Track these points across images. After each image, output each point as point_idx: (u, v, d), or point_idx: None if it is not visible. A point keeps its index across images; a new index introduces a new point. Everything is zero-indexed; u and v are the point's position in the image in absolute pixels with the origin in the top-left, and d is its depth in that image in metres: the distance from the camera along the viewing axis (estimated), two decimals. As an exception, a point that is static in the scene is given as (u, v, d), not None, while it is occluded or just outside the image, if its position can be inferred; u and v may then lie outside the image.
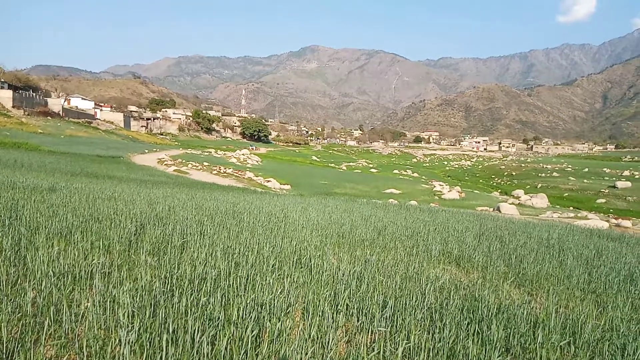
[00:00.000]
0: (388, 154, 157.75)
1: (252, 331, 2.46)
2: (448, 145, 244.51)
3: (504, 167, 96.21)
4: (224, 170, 40.48)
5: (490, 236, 7.30)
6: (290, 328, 2.67)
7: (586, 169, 77.46)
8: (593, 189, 51.99)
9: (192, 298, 2.84)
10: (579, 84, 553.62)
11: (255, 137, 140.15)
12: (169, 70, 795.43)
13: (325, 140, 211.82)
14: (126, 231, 4.72)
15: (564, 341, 2.86)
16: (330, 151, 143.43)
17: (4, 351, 2.18)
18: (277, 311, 2.86)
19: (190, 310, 2.64)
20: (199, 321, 2.52)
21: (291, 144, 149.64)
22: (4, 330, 2.25)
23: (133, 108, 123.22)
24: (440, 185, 46.54)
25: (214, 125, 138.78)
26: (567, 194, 49.91)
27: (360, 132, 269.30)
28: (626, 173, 67.02)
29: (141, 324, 2.42)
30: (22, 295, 2.71)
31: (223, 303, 2.87)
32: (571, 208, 34.01)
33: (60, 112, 78.06)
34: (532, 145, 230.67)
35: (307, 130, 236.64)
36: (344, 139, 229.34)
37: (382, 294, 3.36)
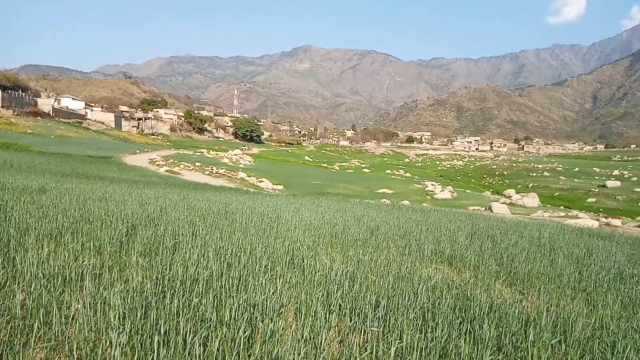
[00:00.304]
0: (380, 154, 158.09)
1: (245, 332, 2.45)
2: (440, 145, 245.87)
3: (495, 166, 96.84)
4: (216, 170, 40.34)
5: (482, 235, 7.34)
6: (282, 329, 2.66)
7: (576, 169, 78.13)
8: (583, 189, 52.48)
9: (184, 299, 2.82)
10: (569, 84, 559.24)
11: (248, 138, 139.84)
12: (161, 70, 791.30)
13: (318, 141, 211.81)
14: (117, 232, 4.68)
15: (555, 339, 2.88)
16: (323, 151, 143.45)
17: (-7, 354, 2.15)
18: (269, 312, 2.85)
19: (182, 311, 2.62)
20: (190, 322, 2.50)
21: (284, 144, 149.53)
22: (-8, 333, 2.22)
23: (124, 108, 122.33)
24: (432, 185, 46.72)
25: (206, 125, 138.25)
26: (557, 194, 50.35)
27: (353, 132, 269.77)
28: (616, 172, 67.67)
29: (132, 325, 2.40)
30: (11, 297, 2.67)
31: (215, 304, 2.85)
32: (562, 207, 34.31)
33: (51, 112, 77.32)
34: (523, 145, 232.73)
35: (299, 130, 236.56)
36: (336, 139, 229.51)
37: (374, 294, 3.36)
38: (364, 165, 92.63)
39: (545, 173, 74.25)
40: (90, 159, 33.13)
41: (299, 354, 2.35)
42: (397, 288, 3.60)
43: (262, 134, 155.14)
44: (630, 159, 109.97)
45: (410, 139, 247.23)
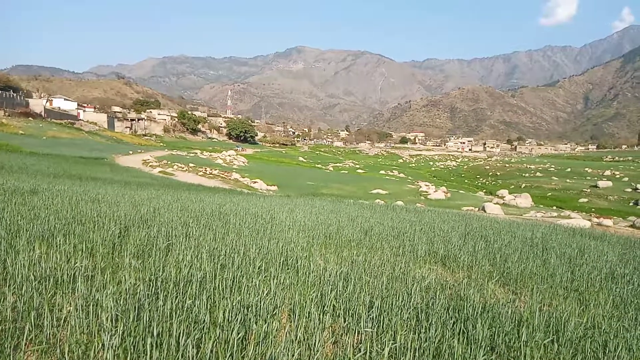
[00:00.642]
0: (374, 154, 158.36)
1: (238, 333, 2.44)
2: (434, 145, 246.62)
3: (488, 167, 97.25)
4: (210, 171, 40.20)
5: (476, 236, 7.37)
6: (276, 330, 2.66)
7: (569, 169, 78.65)
8: (575, 189, 52.86)
9: (177, 301, 2.81)
10: (561, 85, 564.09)
11: (242, 138, 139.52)
12: (154, 71, 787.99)
13: (312, 141, 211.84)
14: (110, 234, 4.65)
15: (547, 339, 2.90)
16: (317, 152, 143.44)
17: (-17, 358, 2.13)
18: (263, 313, 2.84)
19: (175, 313, 2.61)
20: (184, 324, 2.49)
21: (278, 145, 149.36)
22: (-18, 336, 2.20)
23: (117, 109, 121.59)
24: (426, 185, 46.84)
25: (199, 126, 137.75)
26: (550, 194, 50.68)
27: (347, 133, 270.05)
28: (607, 173, 68.17)
29: (125, 327, 2.39)
30: (2, 300, 2.65)
31: (209, 305, 2.84)
32: (554, 207, 34.52)
33: (42, 113, 76.71)
34: (515, 146, 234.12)
35: (293, 131, 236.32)
36: (330, 140, 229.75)
37: (368, 295, 3.37)
38: (358, 166, 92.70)
39: (538, 173, 74.73)
40: (83, 160, 32.90)
41: (293, 355, 2.35)
42: (391, 288, 3.61)
43: (256, 135, 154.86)
44: (621, 159, 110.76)
45: (404, 140, 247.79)
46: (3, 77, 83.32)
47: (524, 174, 75.35)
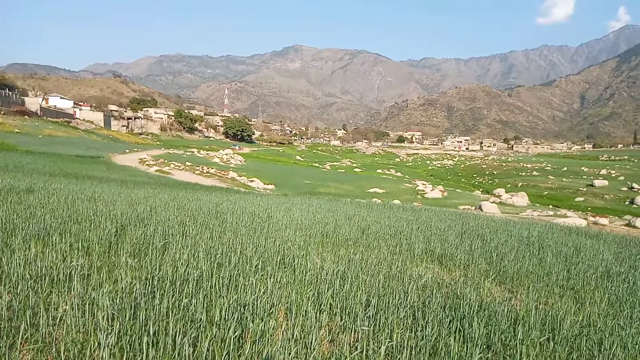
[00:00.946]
0: (371, 153, 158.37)
1: (235, 332, 2.44)
2: (431, 144, 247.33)
3: (485, 166, 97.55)
4: (207, 170, 40.11)
5: (472, 234, 7.38)
6: (273, 328, 2.65)
7: (565, 168, 78.92)
8: (572, 188, 53.05)
9: (173, 299, 2.80)
10: (558, 85, 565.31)
11: (239, 137, 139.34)
12: (150, 69, 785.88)
13: (309, 140, 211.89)
14: (106, 232, 4.63)
15: (543, 337, 2.91)
16: (314, 151, 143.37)
17: (-22, 357, 2.12)
18: (260, 312, 2.84)
19: (172, 311, 2.61)
20: (180, 323, 2.48)
21: (275, 144, 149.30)
22: (-23, 335, 2.19)
23: (113, 107, 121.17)
24: (423, 184, 46.90)
25: (196, 124, 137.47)
26: (546, 193, 50.86)
27: (344, 131, 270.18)
28: (603, 172, 68.47)
29: (121, 326, 2.38)
30: (-3, 299, 2.63)
31: (205, 304, 2.83)
32: (550, 206, 34.62)
33: (38, 112, 76.33)
34: (512, 145, 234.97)
35: (290, 130, 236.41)
36: (327, 139, 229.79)
37: (365, 293, 3.37)
38: (355, 165, 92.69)
39: (534, 172, 74.97)
40: (79, 159, 32.76)
41: (290, 354, 2.35)
42: (388, 287, 3.61)
43: (253, 134, 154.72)
44: (617, 158, 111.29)
45: (401, 139, 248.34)
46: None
47: (520, 173, 75.60)
